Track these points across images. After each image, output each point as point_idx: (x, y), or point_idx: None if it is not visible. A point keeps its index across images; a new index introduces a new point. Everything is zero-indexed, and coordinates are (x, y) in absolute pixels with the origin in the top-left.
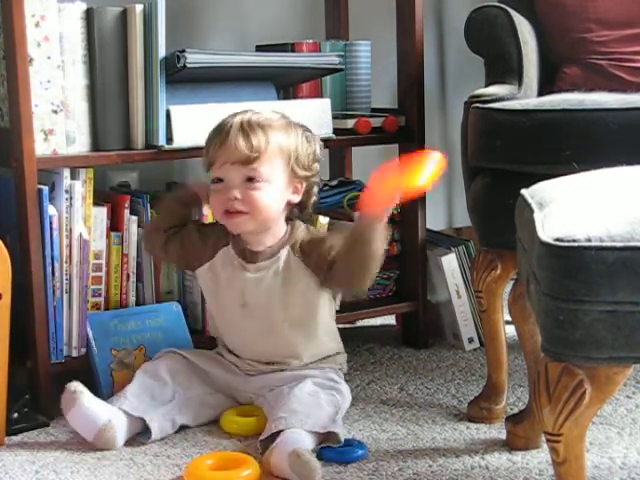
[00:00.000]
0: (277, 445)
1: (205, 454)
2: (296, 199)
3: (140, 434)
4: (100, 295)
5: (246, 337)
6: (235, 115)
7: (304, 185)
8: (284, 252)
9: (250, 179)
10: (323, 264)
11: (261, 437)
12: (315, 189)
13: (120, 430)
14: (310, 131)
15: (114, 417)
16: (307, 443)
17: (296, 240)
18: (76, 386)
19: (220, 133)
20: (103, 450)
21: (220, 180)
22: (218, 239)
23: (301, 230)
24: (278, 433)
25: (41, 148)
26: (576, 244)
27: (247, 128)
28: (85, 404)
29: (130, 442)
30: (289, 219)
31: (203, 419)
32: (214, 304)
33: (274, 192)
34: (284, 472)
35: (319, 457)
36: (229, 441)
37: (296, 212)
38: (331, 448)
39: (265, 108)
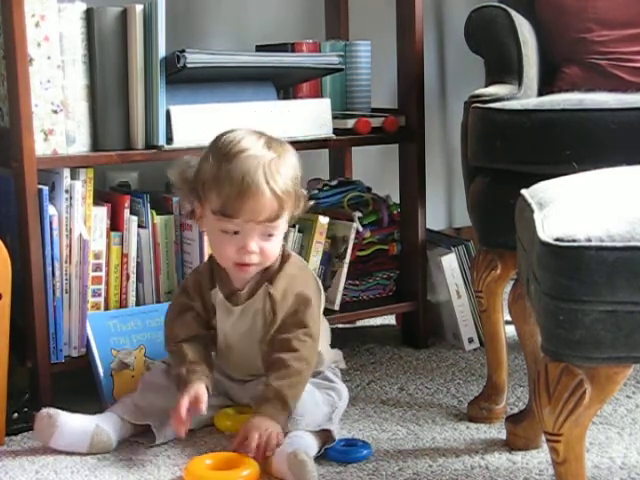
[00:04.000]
0: (278, 449)
1: (205, 454)
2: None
3: (143, 436)
4: (100, 295)
5: (233, 365)
6: (251, 161)
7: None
8: (261, 291)
9: (269, 235)
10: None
11: None
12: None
13: (112, 431)
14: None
15: (100, 421)
16: (310, 445)
17: (274, 279)
18: (48, 410)
19: (242, 186)
20: (101, 454)
21: (235, 232)
22: (202, 292)
23: (288, 268)
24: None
25: (41, 148)
26: (576, 244)
27: (271, 181)
28: (68, 421)
29: (130, 442)
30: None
31: (206, 421)
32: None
33: (282, 235)
34: (283, 473)
35: (323, 457)
36: (229, 441)
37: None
38: (336, 448)
39: (253, 137)
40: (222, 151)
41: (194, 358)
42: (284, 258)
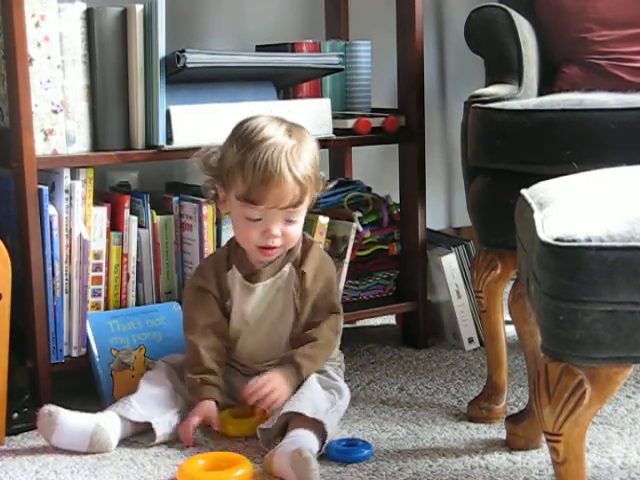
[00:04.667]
0: (282, 444)
1: (198, 454)
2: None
3: (143, 436)
4: (100, 295)
5: (249, 350)
6: (276, 151)
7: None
8: (286, 269)
9: (289, 221)
10: (303, 310)
11: (262, 425)
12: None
13: (112, 431)
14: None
15: (101, 421)
16: (312, 444)
17: (303, 260)
18: (50, 407)
19: (267, 172)
20: (101, 453)
21: (258, 219)
22: (217, 273)
23: (315, 252)
24: (280, 426)
25: (41, 148)
26: (576, 244)
27: (293, 166)
28: (68, 419)
29: (130, 442)
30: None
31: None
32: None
33: (303, 219)
34: (284, 471)
35: (324, 457)
36: (229, 441)
37: None
38: (337, 448)
39: (276, 116)
40: (246, 139)
41: (209, 365)
42: (307, 243)
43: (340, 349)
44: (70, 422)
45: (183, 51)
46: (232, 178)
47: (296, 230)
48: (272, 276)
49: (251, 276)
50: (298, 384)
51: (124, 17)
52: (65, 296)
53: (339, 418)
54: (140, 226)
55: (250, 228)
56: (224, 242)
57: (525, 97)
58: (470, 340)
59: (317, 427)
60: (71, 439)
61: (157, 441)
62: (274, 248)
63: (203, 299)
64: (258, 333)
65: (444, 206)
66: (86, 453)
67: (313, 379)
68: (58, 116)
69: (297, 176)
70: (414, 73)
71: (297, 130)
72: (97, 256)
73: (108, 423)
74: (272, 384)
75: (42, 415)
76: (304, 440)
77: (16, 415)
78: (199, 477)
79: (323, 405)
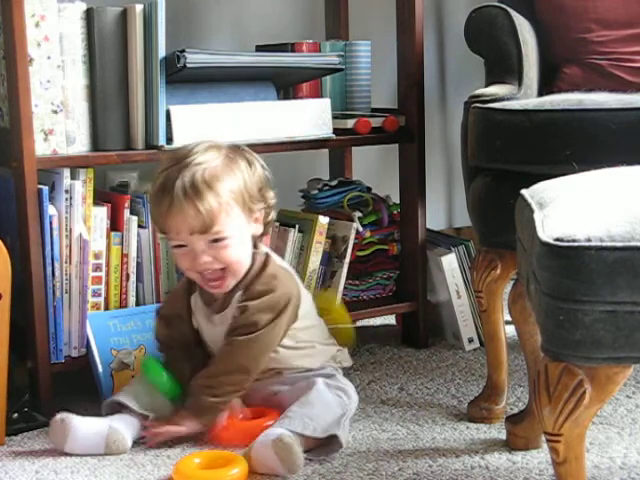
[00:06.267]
0: (258, 440)
1: (194, 452)
2: (259, 230)
3: (143, 436)
4: (100, 295)
5: None
6: (175, 174)
7: (263, 213)
8: (236, 296)
9: (214, 240)
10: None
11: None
12: (273, 213)
13: (126, 431)
14: (245, 150)
15: (113, 422)
16: (294, 428)
17: (251, 281)
18: (61, 415)
19: (164, 200)
20: (116, 455)
21: (182, 246)
22: (184, 295)
23: (255, 269)
24: None
25: (41, 148)
26: (576, 244)
27: (192, 194)
28: (81, 425)
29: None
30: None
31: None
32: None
33: (241, 242)
34: (267, 461)
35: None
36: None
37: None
38: None
39: (202, 144)
40: (159, 165)
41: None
42: (254, 264)
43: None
44: (84, 427)
45: (183, 51)
46: (153, 221)
47: (232, 253)
48: (227, 306)
49: (210, 304)
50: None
51: (124, 17)
52: (65, 296)
53: (349, 422)
54: (140, 226)
55: (180, 257)
56: None
57: (525, 97)
58: (470, 340)
59: (331, 441)
60: (86, 444)
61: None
62: (218, 279)
63: (172, 324)
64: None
65: (444, 206)
66: (87, 454)
67: (322, 387)
68: (58, 116)
69: (197, 202)
70: (414, 73)
71: (229, 154)
72: (97, 256)
73: (121, 423)
74: (171, 430)
75: (54, 423)
76: (280, 430)
77: (16, 415)
78: (194, 476)
79: (334, 414)
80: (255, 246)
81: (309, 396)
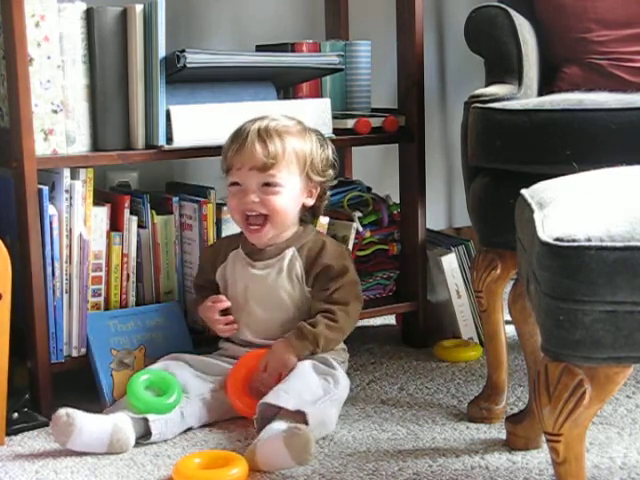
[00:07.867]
0: (261, 439)
1: (194, 452)
2: (310, 202)
3: (143, 436)
4: (100, 295)
5: (257, 323)
6: (253, 121)
7: (318, 189)
8: (289, 252)
9: (267, 184)
10: (315, 292)
11: (255, 416)
12: (328, 193)
13: (129, 430)
14: (324, 136)
15: (117, 420)
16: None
17: (304, 244)
18: (66, 410)
19: (238, 139)
20: (118, 454)
21: (237, 184)
22: (229, 246)
23: (312, 235)
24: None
25: (41, 148)
26: (576, 244)
27: (264, 135)
28: (86, 421)
29: None
30: (301, 220)
31: (205, 420)
32: (230, 300)
33: (290, 196)
34: (275, 456)
35: None
36: (229, 441)
37: (307, 216)
38: None
39: (281, 114)
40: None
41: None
42: (304, 231)
43: (345, 343)
44: (88, 424)
45: (183, 51)
46: (222, 159)
47: (278, 200)
48: (273, 257)
49: (253, 254)
50: (309, 351)
51: (124, 17)
52: (65, 296)
53: (337, 408)
54: (140, 226)
55: (232, 195)
56: None
57: (525, 97)
58: (470, 340)
59: (300, 418)
60: (89, 441)
61: (152, 440)
62: (259, 225)
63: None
64: (257, 312)
65: (444, 206)
66: (86, 453)
67: (307, 366)
68: (58, 116)
69: (267, 142)
70: (414, 73)
71: (306, 128)
72: (97, 256)
73: (125, 422)
74: (271, 366)
75: (58, 417)
76: (279, 425)
77: (16, 415)
78: (194, 476)
79: (314, 393)
80: (303, 220)
81: (292, 372)
